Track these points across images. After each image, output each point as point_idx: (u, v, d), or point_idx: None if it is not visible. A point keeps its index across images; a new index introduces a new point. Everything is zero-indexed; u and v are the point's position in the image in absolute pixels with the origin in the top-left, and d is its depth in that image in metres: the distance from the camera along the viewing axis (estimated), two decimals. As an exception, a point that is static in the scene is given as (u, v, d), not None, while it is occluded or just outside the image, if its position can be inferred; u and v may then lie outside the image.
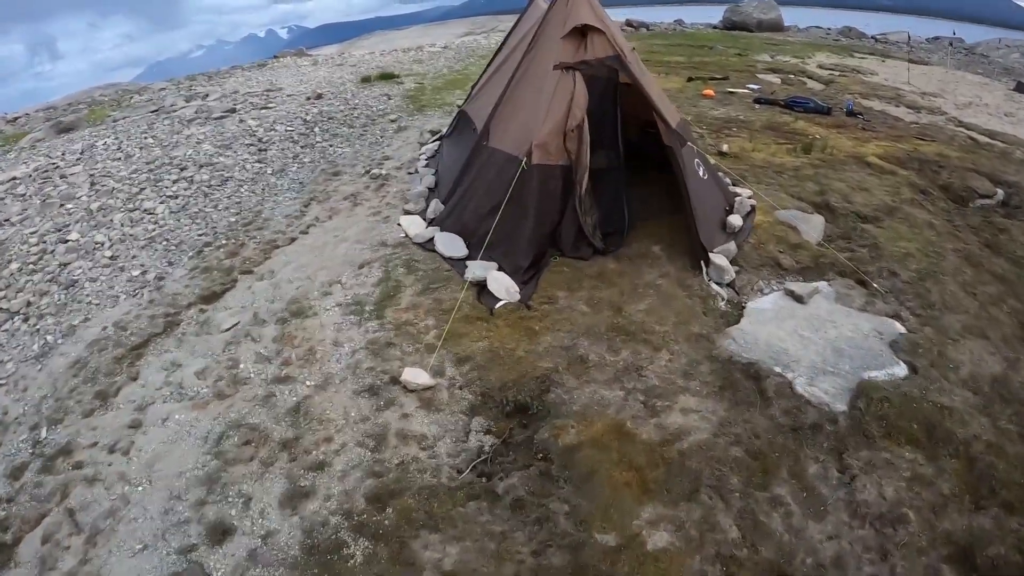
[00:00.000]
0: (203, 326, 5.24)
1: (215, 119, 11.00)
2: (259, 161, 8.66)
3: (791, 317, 5.01)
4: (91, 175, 8.88)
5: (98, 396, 4.61)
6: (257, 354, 4.80)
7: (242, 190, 7.75)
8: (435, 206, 6.35)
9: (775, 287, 5.45)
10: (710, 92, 11.35)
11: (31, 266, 6.28)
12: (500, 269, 5.32)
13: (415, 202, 6.66)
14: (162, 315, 5.40)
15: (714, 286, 5.30)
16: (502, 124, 5.76)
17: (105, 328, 5.32)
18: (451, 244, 5.68)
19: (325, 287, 5.47)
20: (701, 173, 5.93)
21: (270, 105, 11.74)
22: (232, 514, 3.59)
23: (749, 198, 6.55)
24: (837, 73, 14.62)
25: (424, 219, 6.28)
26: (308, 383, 4.44)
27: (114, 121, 11.91)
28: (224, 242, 6.53)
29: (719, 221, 5.98)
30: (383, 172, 7.81)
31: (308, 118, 10.65)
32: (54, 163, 9.52)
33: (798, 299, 5.19)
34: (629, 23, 24.84)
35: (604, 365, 4.50)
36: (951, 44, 19.59)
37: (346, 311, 5.10)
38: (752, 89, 11.80)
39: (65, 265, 6.24)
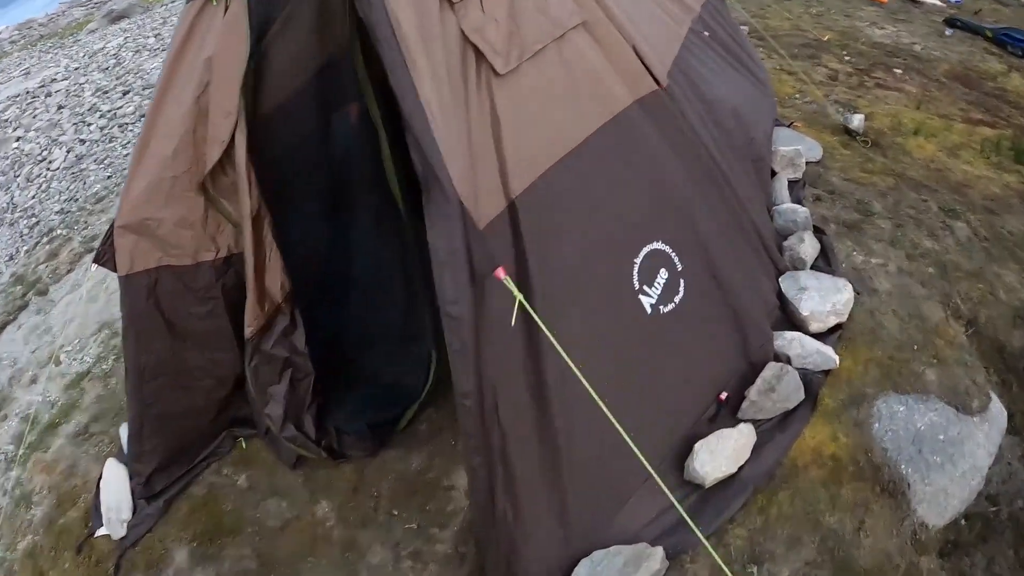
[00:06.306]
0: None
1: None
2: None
3: None
4: (67, 93, 8.85)
5: None
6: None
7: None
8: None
9: None
10: None
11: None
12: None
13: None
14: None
15: None
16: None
17: None
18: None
19: (44, 361, 3.79)
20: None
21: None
22: None
23: (819, 374, 2.46)
24: None
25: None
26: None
27: (162, 4, 11.60)
28: (60, 231, 5.60)
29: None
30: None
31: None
32: (56, 75, 9.52)
33: None
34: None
35: None
36: None
37: (19, 424, 3.43)
38: (948, 2, 7.30)
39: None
